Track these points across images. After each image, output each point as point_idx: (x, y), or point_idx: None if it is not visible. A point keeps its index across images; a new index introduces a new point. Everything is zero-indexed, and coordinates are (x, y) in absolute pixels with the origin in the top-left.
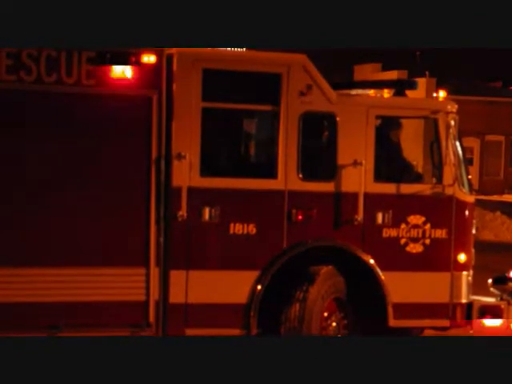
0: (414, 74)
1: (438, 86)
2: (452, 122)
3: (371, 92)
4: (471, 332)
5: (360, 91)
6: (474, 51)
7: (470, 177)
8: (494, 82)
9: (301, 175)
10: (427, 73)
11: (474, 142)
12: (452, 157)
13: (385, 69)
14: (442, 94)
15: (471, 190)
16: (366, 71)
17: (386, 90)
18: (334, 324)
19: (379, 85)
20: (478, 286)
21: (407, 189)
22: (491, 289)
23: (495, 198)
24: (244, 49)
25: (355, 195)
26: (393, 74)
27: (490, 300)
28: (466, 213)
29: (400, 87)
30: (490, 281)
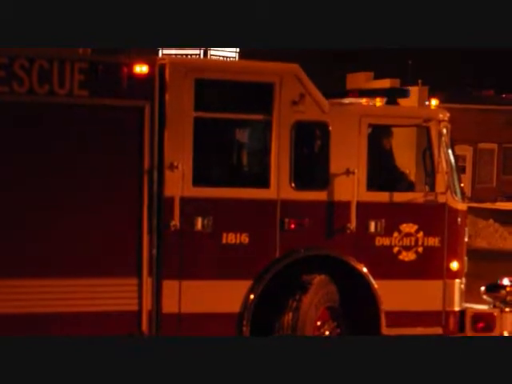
0: (406, 82)
1: (431, 95)
2: (444, 131)
3: (363, 101)
4: None
5: (352, 100)
6: (467, 59)
7: (462, 185)
8: (487, 90)
9: (293, 184)
10: (420, 81)
11: (466, 150)
12: (444, 165)
13: (377, 77)
14: (434, 102)
15: (464, 197)
16: (358, 80)
17: (378, 99)
18: (327, 333)
19: (372, 93)
20: (470, 294)
21: (400, 197)
22: (484, 296)
23: (488, 205)
24: (237, 49)
25: (348, 204)
26: (385, 83)
27: (483, 307)
28: (459, 220)
29: (392, 96)
30: (482, 288)
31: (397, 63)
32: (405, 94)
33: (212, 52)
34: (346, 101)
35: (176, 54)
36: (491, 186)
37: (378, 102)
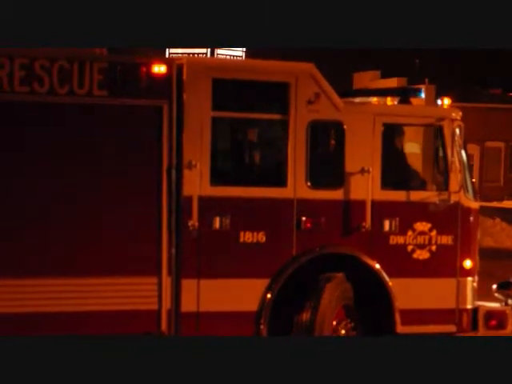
0: (413, 81)
1: (438, 93)
2: (457, 130)
3: (374, 100)
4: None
5: (364, 99)
6: (474, 58)
7: (474, 180)
8: (494, 88)
9: (309, 183)
10: (426, 80)
11: (473, 149)
12: (458, 164)
13: (384, 76)
14: (446, 101)
15: (476, 196)
16: (365, 79)
17: (388, 98)
18: (343, 331)
19: (384, 93)
20: (478, 292)
21: (413, 196)
22: (496, 294)
23: (495, 204)
24: (244, 49)
25: (363, 203)
26: (392, 82)
27: (495, 305)
28: (471, 219)
29: (405, 95)
30: (494, 286)
31: (404, 62)
32: (418, 93)
33: (219, 51)
34: (357, 100)
35: (183, 53)
36: (498, 185)
37: (389, 101)
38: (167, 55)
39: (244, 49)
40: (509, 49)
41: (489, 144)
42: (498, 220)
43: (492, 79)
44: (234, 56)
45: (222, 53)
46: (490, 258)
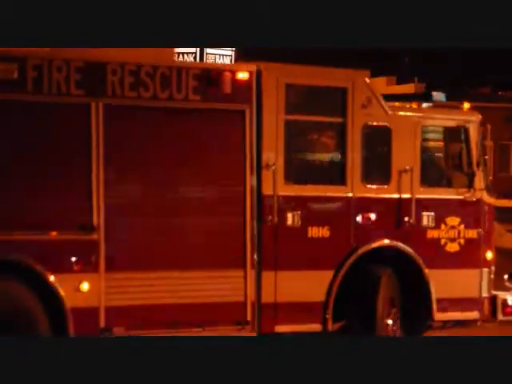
0: (402, 79)
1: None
2: (482, 131)
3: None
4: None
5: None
6: (462, 57)
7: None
8: (483, 87)
9: (364, 182)
10: (416, 79)
11: None
12: (484, 163)
13: (373, 75)
14: (466, 105)
15: (491, 193)
16: None
17: (396, 103)
18: (390, 321)
19: (409, 98)
20: None
21: (446, 193)
22: (507, 283)
23: None
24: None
25: (407, 200)
26: (382, 81)
27: (508, 294)
28: (491, 214)
29: (432, 100)
30: (506, 276)
31: (392, 60)
32: (442, 97)
33: (208, 50)
34: None
35: (183, 52)
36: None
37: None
38: None
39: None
40: (498, 48)
41: None
42: None
43: (481, 78)
44: (223, 55)
45: (212, 52)
46: None
